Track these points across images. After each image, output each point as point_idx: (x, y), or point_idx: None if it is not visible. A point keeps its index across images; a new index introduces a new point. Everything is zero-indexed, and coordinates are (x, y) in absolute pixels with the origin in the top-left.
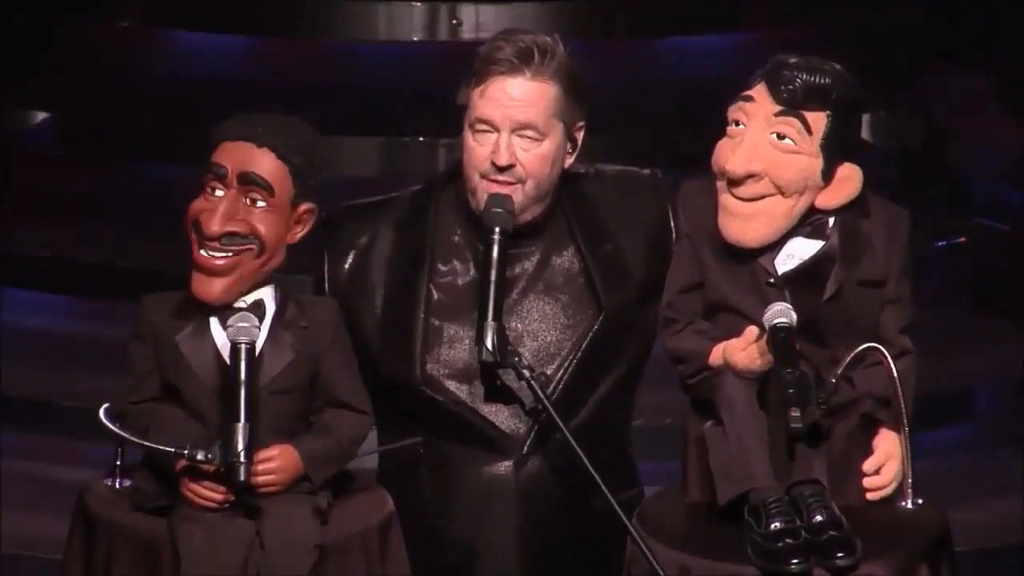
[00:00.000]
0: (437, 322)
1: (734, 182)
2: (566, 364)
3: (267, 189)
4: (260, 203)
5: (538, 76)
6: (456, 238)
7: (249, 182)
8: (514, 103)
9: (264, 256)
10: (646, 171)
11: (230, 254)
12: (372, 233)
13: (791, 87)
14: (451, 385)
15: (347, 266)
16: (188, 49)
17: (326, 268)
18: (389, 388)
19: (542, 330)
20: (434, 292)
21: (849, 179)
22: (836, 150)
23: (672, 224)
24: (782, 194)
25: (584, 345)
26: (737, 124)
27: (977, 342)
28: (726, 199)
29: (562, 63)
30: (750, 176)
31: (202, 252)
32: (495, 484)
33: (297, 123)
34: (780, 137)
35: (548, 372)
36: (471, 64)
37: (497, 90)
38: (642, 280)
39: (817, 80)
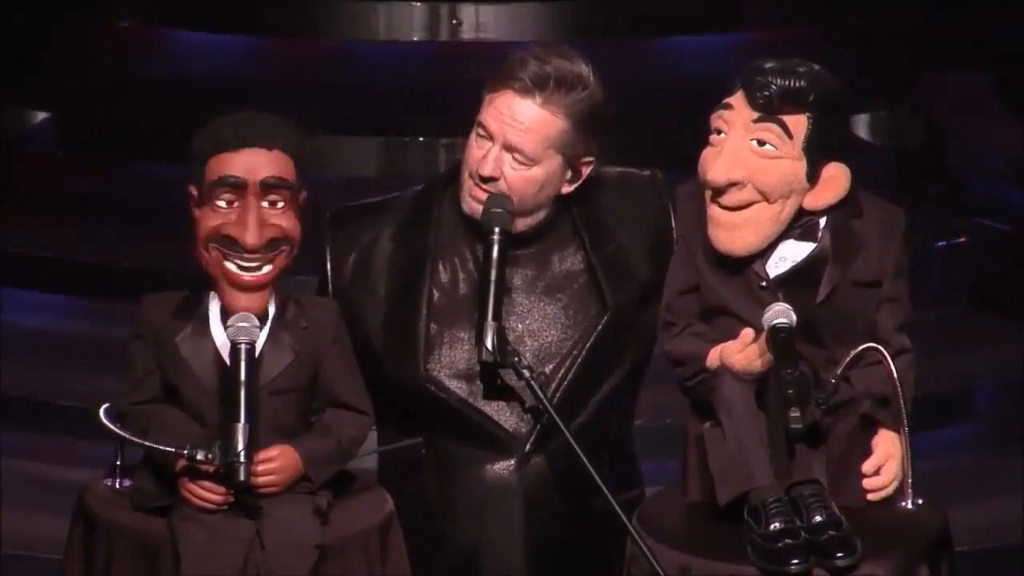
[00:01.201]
0: (439, 322)
1: (718, 191)
2: (568, 363)
3: (288, 188)
4: (280, 204)
5: (548, 105)
6: (458, 238)
7: (272, 186)
8: (514, 124)
9: (293, 253)
10: (646, 172)
11: (268, 262)
12: (374, 233)
13: (766, 92)
14: (454, 384)
15: (350, 266)
16: (188, 49)
17: (329, 268)
18: (392, 388)
19: (543, 329)
20: (435, 292)
21: (836, 179)
22: (820, 151)
23: (673, 224)
24: (767, 200)
25: (588, 344)
26: (718, 133)
27: (977, 342)
28: (712, 209)
29: (581, 99)
30: (732, 184)
31: (238, 270)
32: (498, 483)
33: (271, 116)
34: (760, 143)
35: (548, 371)
36: (499, 64)
37: (504, 104)
38: (645, 280)
39: (792, 83)
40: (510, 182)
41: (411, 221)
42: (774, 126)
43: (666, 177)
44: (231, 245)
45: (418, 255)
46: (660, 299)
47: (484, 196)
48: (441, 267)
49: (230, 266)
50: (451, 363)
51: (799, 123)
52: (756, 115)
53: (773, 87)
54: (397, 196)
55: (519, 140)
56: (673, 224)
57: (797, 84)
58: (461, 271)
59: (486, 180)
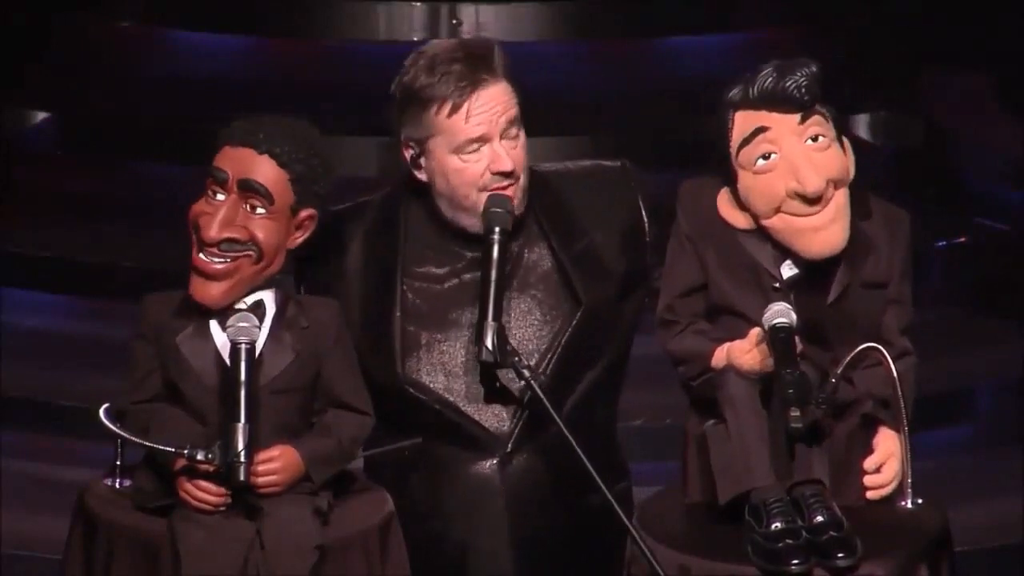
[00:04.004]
0: (415, 323)
1: (813, 200)
2: (546, 360)
3: (266, 197)
4: (259, 210)
5: (495, 75)
6: (429, 241)
7: (248, 189)
8: (496, 109)
9: (262, 263)
10: (616, 164)
11: (228, 260)
12: (344, 241)
13: (802, 85)
14: (433, 385)
15: (320, 275)
16: (188, 49)
17: (301, 279)
18: (372, 391)
19: (518, 327)
20: (409, 294)
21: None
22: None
23: (644, 215)
24: (841, 187)
25: (564, 340)
26: (766, 157)
27: (977, 342)
28: (796, 220)
29: (502, 53)
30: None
31: (201, 256)
32: (482, 483)
33: (301, 128)
34: (814, 139)
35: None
36: (418, 100)
37: (479, 107)
38: (621, 274)
39: (806, 69)
40: (518, 162)
41: (380, 226)
42: (818, 116)
43: (635, 167)
44: (198, 234)
45: (389, 258)
46: (637, 292)
47: (506, 191)
48: (414, 269)
49: (198, 255)
50: (429, 364)
51: (824, 109)
52: (799, 115)
53: (799, 78)
54: (363, 202)
55: (509, 115)
56: (644, 214)
57: (811, 68)
58: (434, 273)
59: (510, 175)
